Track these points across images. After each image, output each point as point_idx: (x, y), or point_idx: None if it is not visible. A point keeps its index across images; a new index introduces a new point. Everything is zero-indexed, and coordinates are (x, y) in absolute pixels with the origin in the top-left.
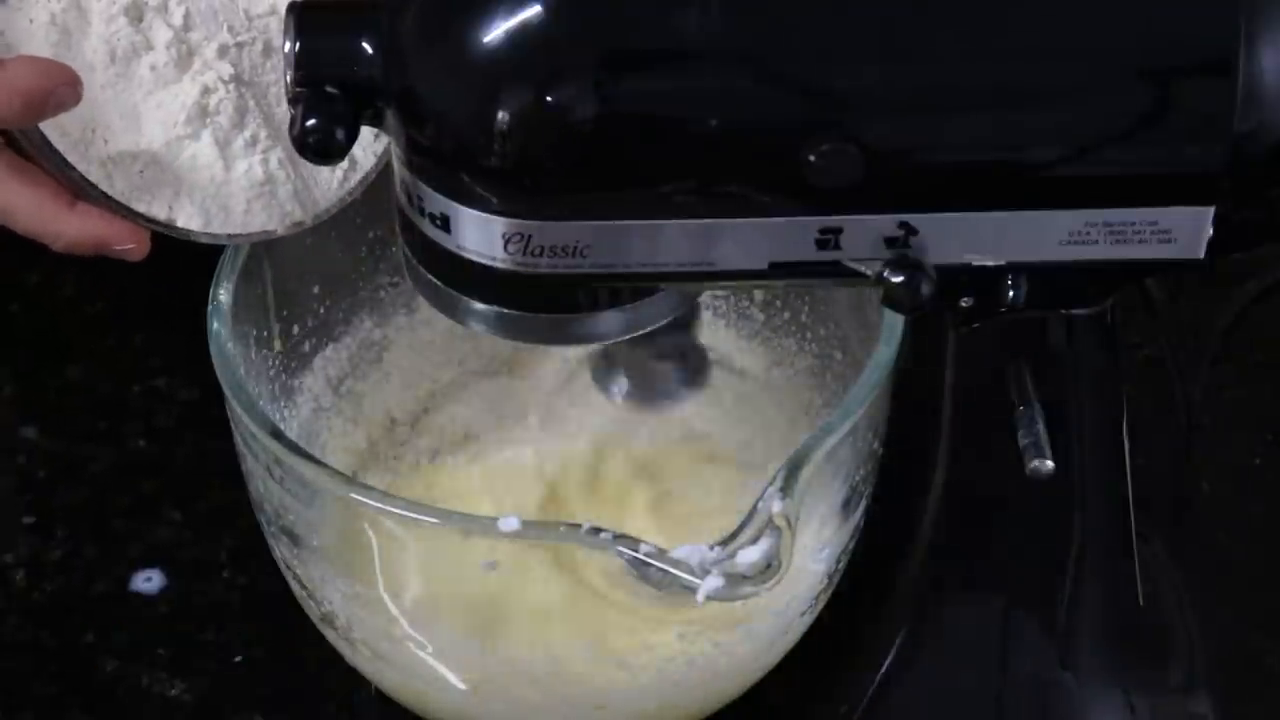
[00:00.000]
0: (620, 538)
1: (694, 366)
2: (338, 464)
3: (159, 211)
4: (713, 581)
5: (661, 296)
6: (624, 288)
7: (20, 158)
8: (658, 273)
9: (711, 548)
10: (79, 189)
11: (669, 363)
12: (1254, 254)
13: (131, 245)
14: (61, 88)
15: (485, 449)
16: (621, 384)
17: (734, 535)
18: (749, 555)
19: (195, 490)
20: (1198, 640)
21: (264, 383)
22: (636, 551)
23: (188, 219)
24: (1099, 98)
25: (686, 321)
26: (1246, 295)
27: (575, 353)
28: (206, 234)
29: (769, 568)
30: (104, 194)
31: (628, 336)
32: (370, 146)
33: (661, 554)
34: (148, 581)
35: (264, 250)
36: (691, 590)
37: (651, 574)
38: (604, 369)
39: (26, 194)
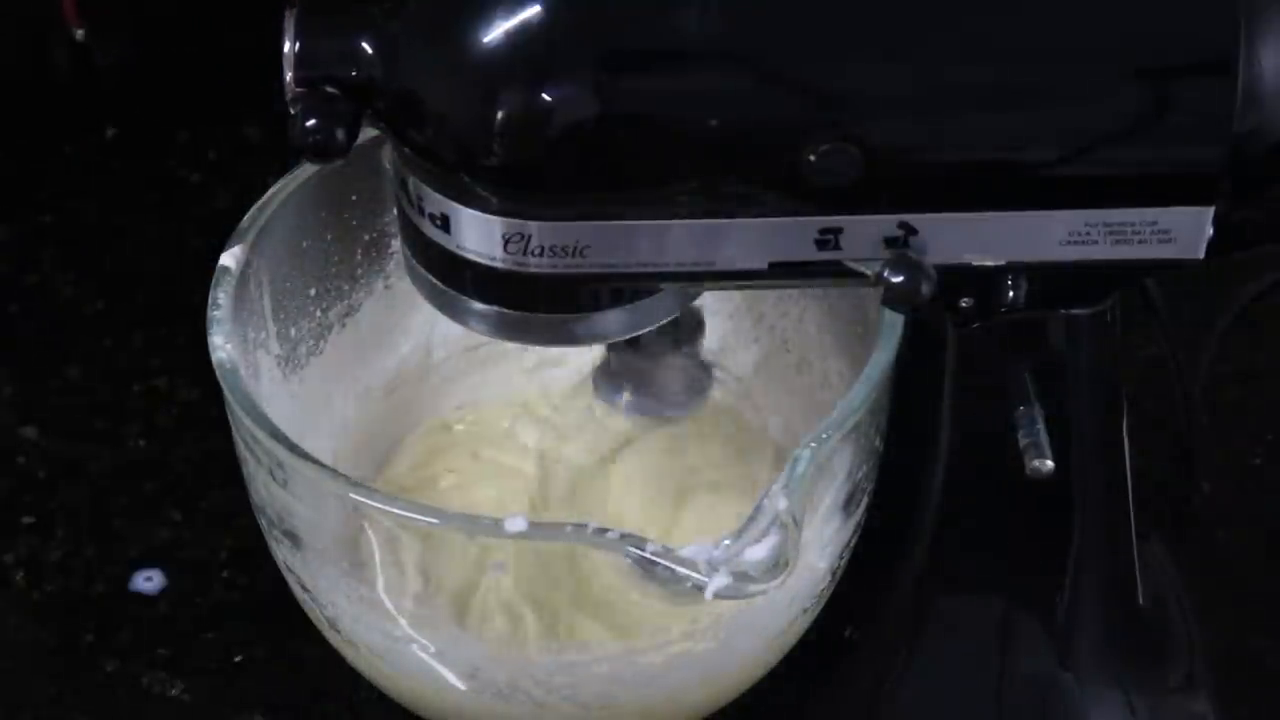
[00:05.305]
0: (627, 536)
1: (696, 377)
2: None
3: None
4: (720, 579)
5: (661, 296)
6: (624, 287)
7: None
8: (657, 272)
9: (717, 545)
10: None
11: (672, 373)
12: (1254, 254)
13: None
14: None
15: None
16: (625, 395)
17: (740, 533)
18: (756, 553)
19: (195, 490)
20: (1198, 640)
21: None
22: (643, 550)
23: None
24: (1099, 97)
25: (692, 339)
26: (1246, 295)
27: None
28: None
29: (776, 565)
30: None
31: (627, 336)
32: None
33: (668, 552)
34: (148, 581)
35: (260, 255)
36: (700, 588)
37: (659, 572)
38: (606, 381)
39: None
